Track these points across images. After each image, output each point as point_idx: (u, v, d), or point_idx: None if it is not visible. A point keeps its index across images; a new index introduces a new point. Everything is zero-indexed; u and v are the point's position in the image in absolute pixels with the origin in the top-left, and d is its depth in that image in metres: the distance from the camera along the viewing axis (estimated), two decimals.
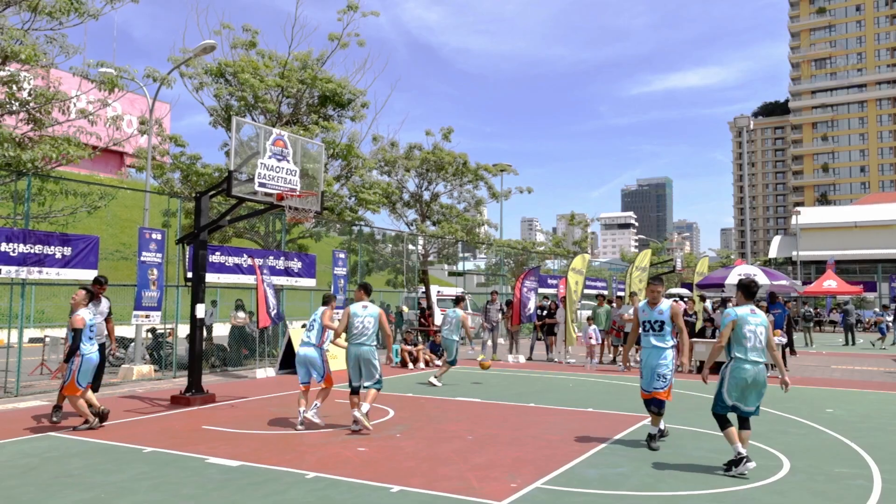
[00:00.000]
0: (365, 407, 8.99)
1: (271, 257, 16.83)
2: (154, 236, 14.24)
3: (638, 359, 18.61)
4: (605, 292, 31.00)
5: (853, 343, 29.06)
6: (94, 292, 10.28)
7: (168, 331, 16.60)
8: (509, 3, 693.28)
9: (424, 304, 27.47)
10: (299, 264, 17.58)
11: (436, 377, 14.27)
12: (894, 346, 28.01)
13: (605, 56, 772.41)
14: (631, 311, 17.67)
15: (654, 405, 8.41)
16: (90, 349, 9.23)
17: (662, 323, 8.40)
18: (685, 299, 21.01)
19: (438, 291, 30.96)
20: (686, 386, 14.47)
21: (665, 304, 8.47)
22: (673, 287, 42.56)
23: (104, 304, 10.59)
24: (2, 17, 13.18)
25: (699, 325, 18.45)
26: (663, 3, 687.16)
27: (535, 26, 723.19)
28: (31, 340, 23.94)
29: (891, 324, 30.74)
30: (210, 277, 14.18)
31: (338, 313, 12.06)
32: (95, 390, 10.47)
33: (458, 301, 15.46)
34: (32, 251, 11.97)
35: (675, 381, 15.16)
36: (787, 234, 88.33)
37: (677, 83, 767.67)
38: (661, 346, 8.45)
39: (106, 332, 10.53)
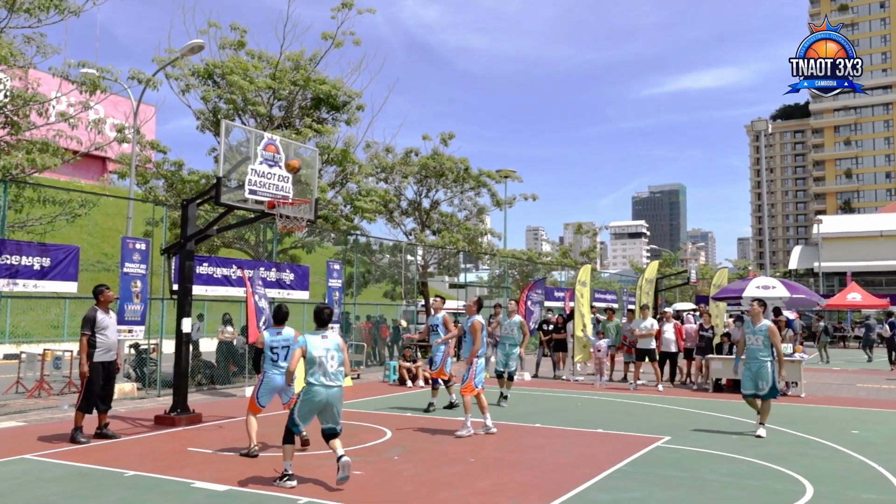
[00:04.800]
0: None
1: (262, 268, 16.81)
2: (138, 246, 14.22)
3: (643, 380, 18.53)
4: (616, 305, 30.98)
5: (869, 360, 28.90)
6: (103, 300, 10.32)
7: (152, 346, 16.56)
8: (512, 1, 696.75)
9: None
10: (292, 276, 17.56)
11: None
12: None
13: (614, 56, 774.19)
14: (643, 324, 17.65)
15: (435, 382, 13.39)
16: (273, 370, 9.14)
17: (437, 326, 12.76)
18: (698, 313, 20.95)
19: None
20: (703, 406, 14.44)
21: (441, 314, 12.79)
22: (687, 300, 42.54)
23: (114, 316, 10.57)
24: None
25: (717, 340, 18.42)
26: (674, 0, 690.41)
27: (539, 25, 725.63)
28: (6, 357, 23.89)
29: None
30: (197, 290, 14.15)
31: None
32: (108, 409, 10.41)
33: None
34: (8, 262, 11.95)
35: (693, 401, 15.15)
36: (808, 243, 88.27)
37: (690, 84, 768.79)
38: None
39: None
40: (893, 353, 25.06)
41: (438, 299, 13.22)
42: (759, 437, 10.66)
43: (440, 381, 13.44)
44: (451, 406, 13.26)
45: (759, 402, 11.01)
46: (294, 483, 7.46)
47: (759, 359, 10.97)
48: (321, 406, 7.55)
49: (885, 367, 25.34)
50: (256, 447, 9.06)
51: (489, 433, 10.67)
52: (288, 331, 9.32)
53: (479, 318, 11.15)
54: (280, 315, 9.37)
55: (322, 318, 7.81)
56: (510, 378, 14.39)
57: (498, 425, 11.73)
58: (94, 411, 10.22)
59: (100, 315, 10.25)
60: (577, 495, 7.23)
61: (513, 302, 15.21)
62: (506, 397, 14.19)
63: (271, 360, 9.15)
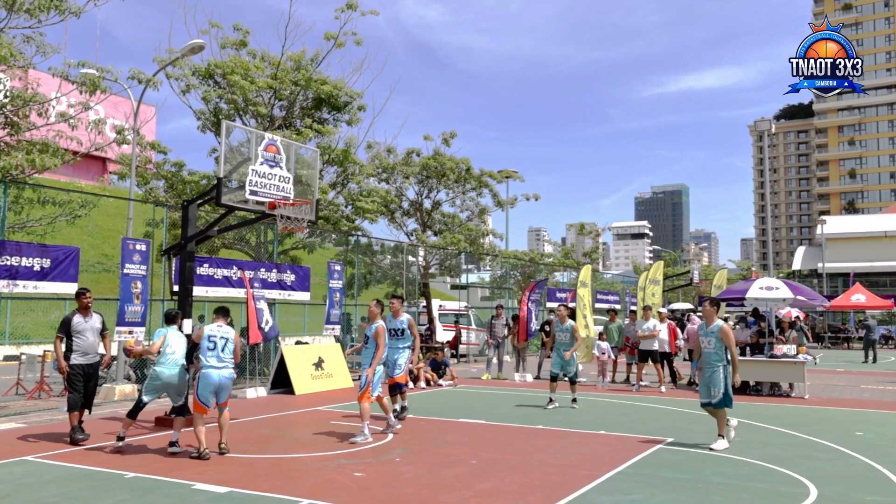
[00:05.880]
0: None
1: (263, 269, 16.83)
2: (138, 247, 14.24)
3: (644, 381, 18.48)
4: (618, 306, 30.98)
5: (874, 361, 28.93)
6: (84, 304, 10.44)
7: None
8: (513, 0, 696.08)
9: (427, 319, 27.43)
10: (292, 277, 17.58)
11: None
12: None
13: (616, 56, 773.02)
14: (646, 325, 17.64)
15: (398, 388, 12.03)
16: (209, 364, 9.26)
17: (403, 330, 11.89)
18: (699, 315, 20.95)
19: (440, 306, 30.93)
20: None
21: (405, 317, 12.02)
22: (688, 301, 42.51)
23: (96, 319, 10.63)
24: None
25: None
26: None
27: (540, 24, 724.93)
28: (6, 358, 23.93)
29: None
30: (197, 291, 14.17)
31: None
32: (88, 408, 10.55)
33: None
34: (8, 263, 11.97)
35: (696, 403, 15.11)
36: (812, 244, 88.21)
37: (693, 84, 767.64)
38: (401, 346, 11.94)
39: (100, 349, 10.68)
40: None
41: (396, 301, 12.02)
42: (711, 449, 9.73)
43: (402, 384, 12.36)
44: (402, 409, 12.23)
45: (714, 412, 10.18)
46: (121, 444, 9.46)
47: (712, 363, 10.12)
48: (165, 385, 9.62)
49: (887, 369, 25.32)
50: (207, 450, 8.94)
51: (394, 431, 10.82)
52: (229, 328, 9.61)
53: (382, 324, 10.85)
54: (223, 311, 9.77)
55: (169, 317, 10.17)
56: (572, 382, 14.28)
57: (500, 427, 11.74)
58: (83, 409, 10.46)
59: (76, 318, 10.35)
60: (578, 497, 7.23)
61: (563, 307, 15.08)
62: (575, 400, 14.20)
63: (208, 350, 9.26)
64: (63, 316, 10.59)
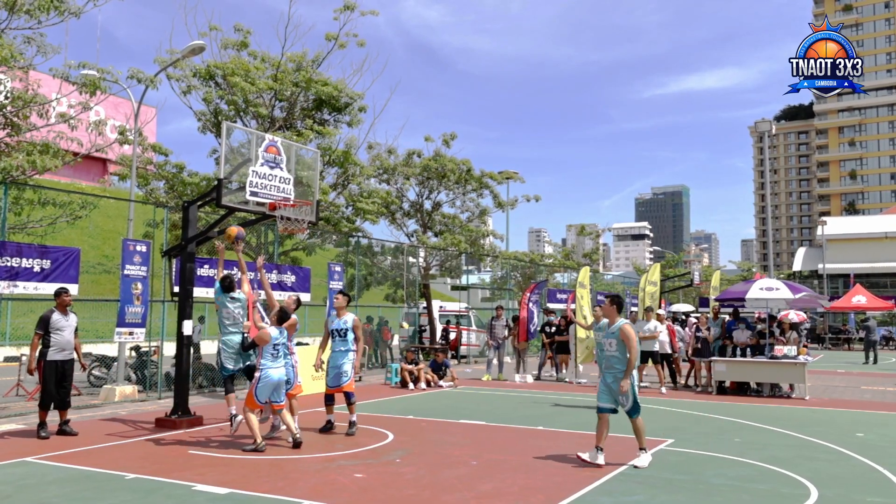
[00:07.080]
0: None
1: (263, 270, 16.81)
2: (138, 248, 14.24)
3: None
4: None
5: (875, 362, 28.95)
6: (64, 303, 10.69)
7: (153, 349, 16.57)
8: (513, 1, 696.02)
9: (434, 321, 27.42)
10: (293, 278, 17.58)
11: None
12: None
13: (617, 57, 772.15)
14: (647, 326, 17.63)
15: (346, 397, 10.98)
16: (271, 366, 9.73)
17: (346, 331, 10.96)
18: (696, 315, 20.93)
19: (441, 307, 30.94)
20: (707, 409, 14.43)
21: (349, 316, 11.05)
22: (689, 302, 42.53)
23: (73, 318, 10.83)
24: None
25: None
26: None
27: (541, 25, 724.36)
28: (7, 359, 23.91)
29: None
30: (198, 292, 14.15)
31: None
32: (65, 406, 10.71)
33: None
34: (8, 264, 11.97)
35: (696, 404, 15.14)
36: (813, 245, 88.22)
37: (694, 85, 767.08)
38: (343, 349, 10.98)
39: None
40: None
41: (341, 297, 11.14)
42: (635, 467, 8.69)
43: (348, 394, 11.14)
44: (351, 424, 10.99)
45: (608, 420, 9.14)
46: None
47: (614, 368, 9.03)
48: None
49: (888, 370, 25.31)
50: (263, 443, 9.49)
51: (295, 440, 9.69)
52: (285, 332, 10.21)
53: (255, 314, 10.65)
54: (286, 317, 10.18)
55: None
56: None
57: (501, 428, 11.74)
58: (59, 408, 10.63)
59: (55, 316, 10.59)
60: (579, 498, 7.23)
61: (598, 308, 14.64)
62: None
63: (271, 355, 9.75)
64: (41, 314, 10.79)
